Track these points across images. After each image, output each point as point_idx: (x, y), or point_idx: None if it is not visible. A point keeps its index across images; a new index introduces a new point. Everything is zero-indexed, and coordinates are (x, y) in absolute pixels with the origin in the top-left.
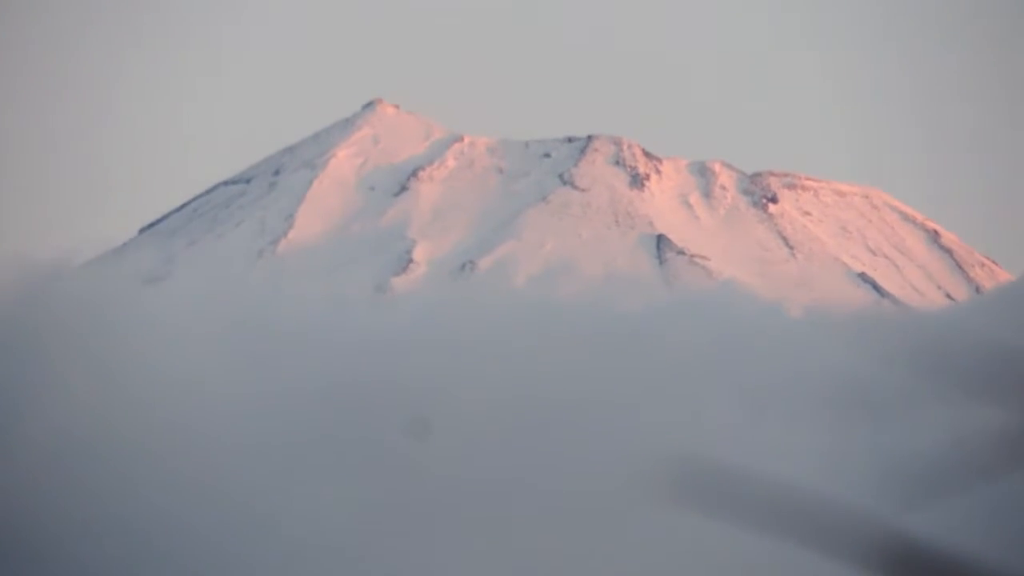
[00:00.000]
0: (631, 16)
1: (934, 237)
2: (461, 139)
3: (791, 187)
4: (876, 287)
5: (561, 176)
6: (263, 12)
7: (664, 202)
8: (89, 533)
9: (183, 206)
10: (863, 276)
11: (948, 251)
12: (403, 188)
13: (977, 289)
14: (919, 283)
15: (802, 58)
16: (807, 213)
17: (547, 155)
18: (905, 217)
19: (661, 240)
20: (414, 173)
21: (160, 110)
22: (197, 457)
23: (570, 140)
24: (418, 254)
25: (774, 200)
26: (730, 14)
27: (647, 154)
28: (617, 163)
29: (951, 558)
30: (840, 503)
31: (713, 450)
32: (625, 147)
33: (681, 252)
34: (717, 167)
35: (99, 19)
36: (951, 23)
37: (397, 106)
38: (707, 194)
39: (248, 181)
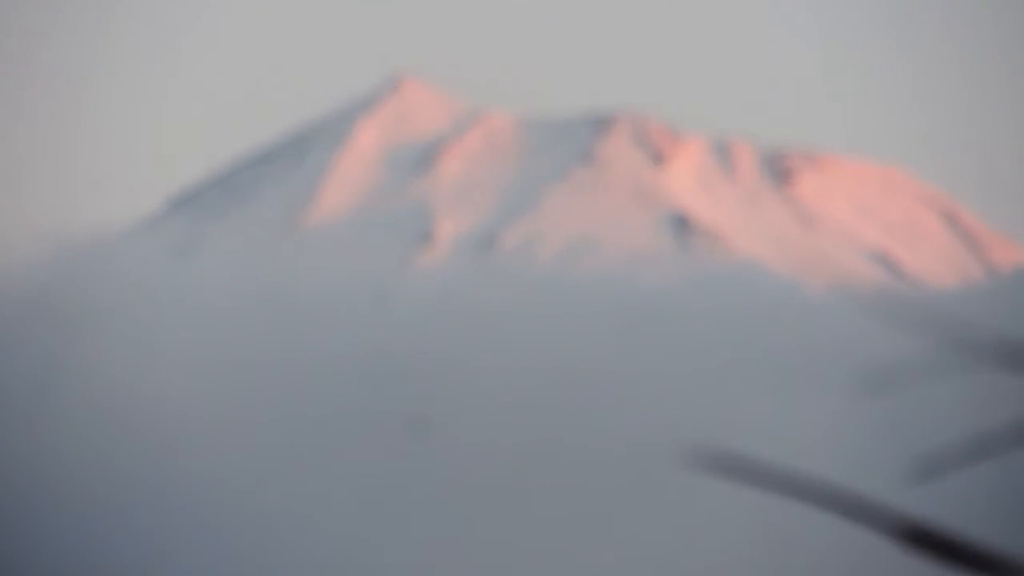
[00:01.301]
0: None
1: (952, 217)
2: (484, 115)
3: (810, 165)
4: (893, 266)
5: (583, 153)
6: None
7: (685, 179)
8: (118, 498)
9: (210, 180)
10: (880, 255)
11: (966, 231)
12: (426, 164)
13: (994, 270)
14: (936, 263)
15: (824, 34)
16: (826, 190)
17: (569, 132)
18: (924, 197)
19: (681, 219)
20: (437, 149)
21: (187, 84)
22: (226, 425)
23: (592, 118)
24: (441, 230)
25: (793, 178)
26: None
27: (668, 132)
28: (638, 141)
29: (965, 536)
30: (858, 474)
31: (736, 424)
32: (647, 125)
33: (701, 230)
34: (737, 145)
35: (111, 6)
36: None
37: (421, 82)
38: (727, 172)
39: (272, 156)
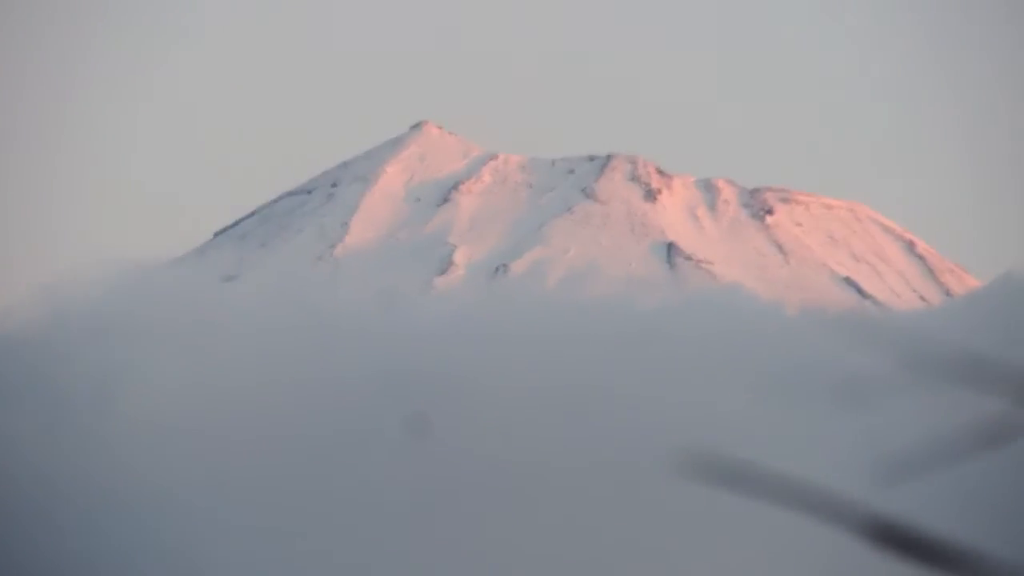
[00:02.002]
0: (649, 50)
1: (910, 246)
2: (496, 157)
3: (785, 201)
4: (859, 290)
5: (584, 190)
6: (323, 47)
7: (674, 214)
8: (173, 503)
9: (252, 213)
10: (848, 280)
11: (922, 259)
12: (445, 200)
13: (947, 292)
14: (896, 286)
15: (798, 86)
16: (799, 224)
17: (571, 171)
18: (885, 229)
19: (671, 247)
20: (454, 187)
21: (232, 128)
22: (269, 432)
23: (591, 158)
24: (458, 258)
25: (770, 212)
26: (735, 51)
27: (659, 171)
28: (633, 179)
29: (929, 531)
30: (830, 476)
31: (720, 430)
32: (640, 165)
33: (689, 258)
34: (720, 183)
35: (163, 58)
36: (932, 60)
37: (440, 127)
38: (712, 207)
39: (309, 192)
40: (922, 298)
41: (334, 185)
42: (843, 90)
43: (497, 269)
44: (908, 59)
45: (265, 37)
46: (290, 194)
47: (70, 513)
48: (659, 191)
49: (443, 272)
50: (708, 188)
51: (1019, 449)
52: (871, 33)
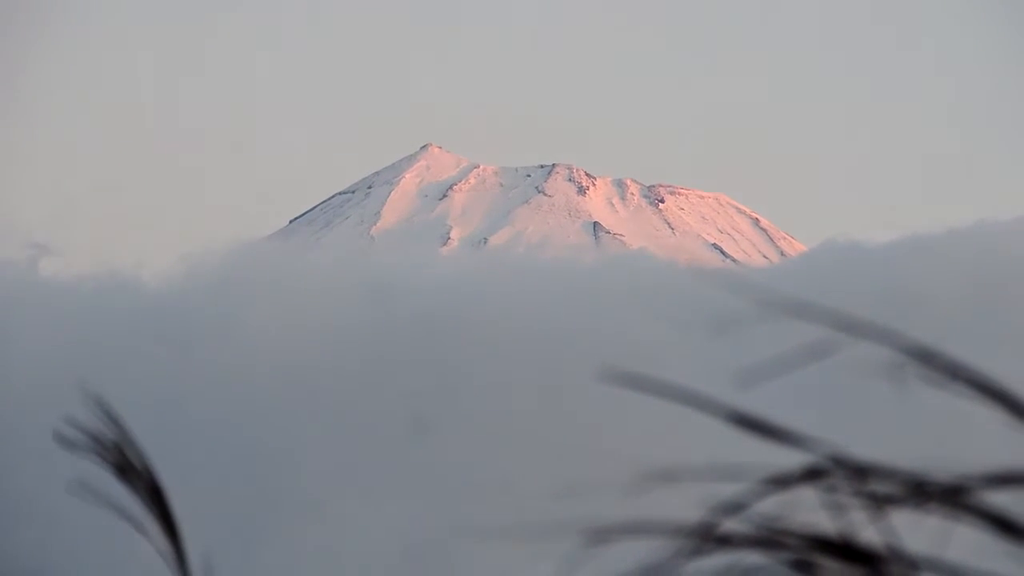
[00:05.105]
0: (582, 93)
1: (756, 222)
2: (478, 167)
3: (672, 193)
4: (723, 252)
5: (537, 188)
6: (365, 95)
7: (598, 202)
8: (271, 411)
9: (316, 206)
10: (715, 246)
11: (764, 230)
12: (444, 196)
13: (782, 253)
14: (747, 250)
15: (681, 119)
16: (681, 208)
17: (528, 176)
18: (738, 210)
19: (596, 225)
20: (451, 187)
21: (304, 151)
22: (335, 350)
23: (542, 167)
24: (454, 235)
25: (663, 201)
26: (638, 93)
27: (587, 174)
28: (570, 180)
29: (770, 418)
30: (705, 380)
31: (631, 349)
32: (574, 170)
33: (608, 232)
34: (628, 182)
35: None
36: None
37: (440, 147)
38: (623, 198)
39: (353, 192)
40: (765, 257)
41: (370, 187)
42: (713, 119)
43: (480, 242)
44: (757, 90)
45: (322, 95)
46: (341, 193)
47: (196, 413)
48: (588, 188)
49: (444, 244)
50: (620, 185)
51: (833, 363)
52: (734, 70)
